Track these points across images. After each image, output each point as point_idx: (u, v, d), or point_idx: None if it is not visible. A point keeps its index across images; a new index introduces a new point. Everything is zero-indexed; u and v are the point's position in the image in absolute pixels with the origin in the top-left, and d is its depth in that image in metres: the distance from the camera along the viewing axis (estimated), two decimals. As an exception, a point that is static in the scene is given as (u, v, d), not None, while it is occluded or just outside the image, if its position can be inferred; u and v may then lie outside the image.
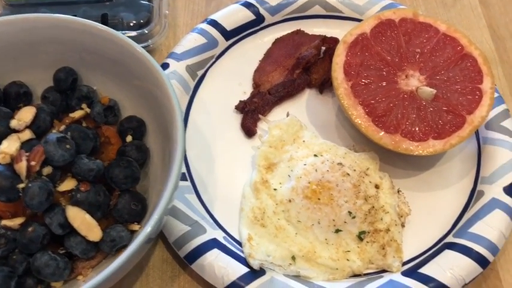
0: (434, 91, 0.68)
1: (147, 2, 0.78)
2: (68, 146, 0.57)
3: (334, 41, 0.78)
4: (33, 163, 0.54)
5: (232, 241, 0.65)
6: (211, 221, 0.66)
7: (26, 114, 0.59)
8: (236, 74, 0.80)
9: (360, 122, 0.67)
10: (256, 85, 0.79)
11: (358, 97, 0.68)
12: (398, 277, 0.62)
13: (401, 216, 0.67)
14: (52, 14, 0.63)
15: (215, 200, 0.69)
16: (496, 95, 0.73)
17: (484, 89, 0.68)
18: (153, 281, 0.64)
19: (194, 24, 0.82)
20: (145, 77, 0.61)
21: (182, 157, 0.55)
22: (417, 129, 0.66)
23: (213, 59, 0.79)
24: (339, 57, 0.70)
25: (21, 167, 0.54)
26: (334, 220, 0.64)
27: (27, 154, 0.55)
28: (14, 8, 0.75)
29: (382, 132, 0.67)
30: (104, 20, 0.74)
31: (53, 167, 0.56)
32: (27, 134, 0.58)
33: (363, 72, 0.69)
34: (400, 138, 0.66)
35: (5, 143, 0.56)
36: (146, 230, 0.52)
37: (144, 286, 0.63)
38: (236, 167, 0.72)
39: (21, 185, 0.54)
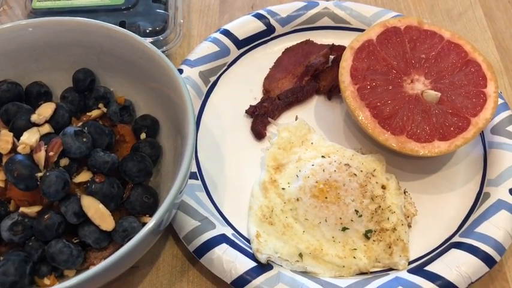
0: (439, 94, 0.69)
1: (163, 11, 0.82)
2: (84, 139, 0.59)
3: (342, 50, 0.80)
4: (51, 153, 0.57)
5: (240, 238, 0.66)
6: (221, 218, 0.68)
7: (46, 110, 0.62)
8: (247, 80, 0.82)
9: (366, 123, 0.69)
10: (266, 91, 0.81)
11: (364, 99, 0.70)
12: (404, 274, 0.62)
13: (408, 217, 0.68)
14: (73, 18, 0.66)
15: (224, 199, 0.70)
16: (501, 101, 0.75)
17: (488, 92, 0.70)
18: (163, 275, 0.65)
19: (208, 35, 0.85)
20: (161, 78, 0.64)
21: (192, 150, 0.57)
22: (422, 130, 0.68)
23: (225, 67, 0.83)
24: (346, 62, 0.72)
25: (40, 157, 0.57)
26: (341, 218, 0.65)
27: (45, 145, 0.58)
28: (38, 15, 0.80)
29: (388, 134, 0.68)
30: (122, 27, 0.77)
31: (70, 159, 0.59)
32: (47, 128, 0.61)
33: (369, 76, 0.71)
34: (406, 139, 0.68)
35: (25, 134, 0.59)
36: (154, 218, 0.53)
37: (154, 280, 0.65)
38: (245, 168, 0.73)
39: (39, 174, 0.56)
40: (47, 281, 0.57)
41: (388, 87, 0.71)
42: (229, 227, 0.67)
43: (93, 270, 0.50)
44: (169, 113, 0.66)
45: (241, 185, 0.72)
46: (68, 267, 0.57)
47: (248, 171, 0.73)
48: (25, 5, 0.82)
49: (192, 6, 0.93)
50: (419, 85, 0.71)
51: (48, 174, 0.56)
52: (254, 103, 0.80)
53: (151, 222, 0.53)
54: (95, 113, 0.68)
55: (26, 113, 0.63)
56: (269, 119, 0.77)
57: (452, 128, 0.68)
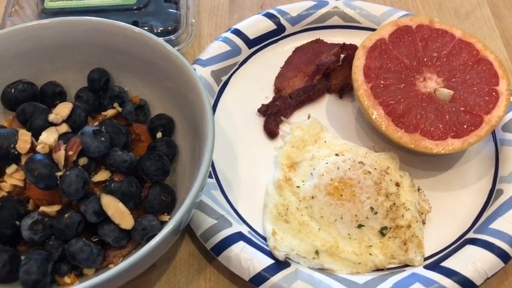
0: (452, 92, 0.70)
1: (174, 11, 0.82)
2: (103, 139, 0.59)
3: (353, 48, 0.81)
4: (70, 153, 0.57)
5: (256, 235, 0.67)
6: (236, 216, 0.68)
7: (63, 109, 0.62)
8: (258, 79, 0.83)
9: (380, 121, 0.69)
10: (277, 90, 0.82)
11: (377, 98, 0.70)
12: (420, 270, 0.63)
13: (422, 214, 0.68)
14: (89, 17, 0.67)
15: (239, 197, 0.71)
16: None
17: (500, 90, 0.70)
18: (180, 273, 0.65)
19: (218, 35, 0.86)
20: (177, 77, 0.64)
21: (212, 149, 0.57)
22: (436, 128, 0.69)
23: (237, 66, 0.83)
24: (359, 61, 0.73)
25: (60, 156, 0.57)
26: (356, 216, 0.65)
27: (64, 145, 0.58)
28: (49, 15, 0.80)
29: (402, 132, 0.69)
30: (135, 27, 0.78)
31: (89, 158, 0.59)
32: (64, 128, 0.61)
33: (382, 75, 0.72)
34: (420, 137, 0.68)
35: (44, 134, 0.59)
36: (176, 217, 0.53)
37: (171, 278, 0.65)
38: (259, 167, 0.74)
39: (59, 173, 0.56)
40: (67, 280, 0.57)
41: (401, 86, 0.72)
42: (245, 225, 0.67)
43: (115, 269, 0.51)
44: (185, 112, 0.66)
45: (255, 183, 0.72)
46: (88, 266, 0.57)
47: (262, 169, 0.73)
48: (37, 5, 0.82)
49: (201, 6, 0.93)
50: (431, 83, 0.72)
51: (68, 173, 0.56)
52: (266, 102, 0.80)
53: (172, 222, 0.53)
54: (110, 112, 0.68)
55: (42, 112, 0.63)
56: (282, 117, 0.77)
57: (465, 126, 0.69)
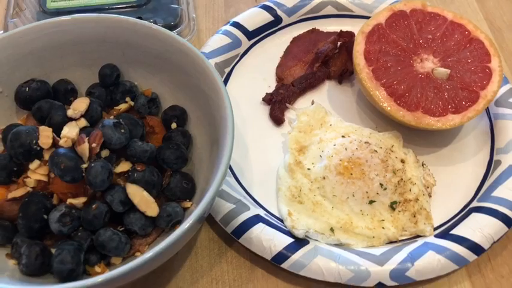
0: (449, 71, 0.74)
1: (176, 6, 0.84)
2: (123, 130, 0.61)
3: (350, 35, 0.85)
4: (94, 145, 0.58)
5: (273, 218, 0.69)
6: (252, 201, 0.70)
7: (80, 104, 0.63)
8: (260, 70, 0.85)
9: (383, 101, 0.73)
10: (279, 79, 0.84)
11: (379, 80, 0.74)
12: (432, 239, 0.66)
13: (428, 187, 0.72)
14: (98, 14, 0.68)
15: (252, 183, 0.73)
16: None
17: (493, 67, 0.75)
18: (202, 258, 0.67)
19: (215, 29, 0.88)
20: (190, 68, 0.66)
21: (233, 135, 0.59)
22: (436, 105, 0.72)
23: (238, 57, 0.85)
24: (359, 46, 0.76)
25: (84, 148, 0.58)
26: (367, 192, 0.68)
27: (87, 138, 0.59)
28: (48, 15, 0.80)
29: (404, 110, 0.72)
30: (138, 23, 0.79)
31: (110, 150, 0.60)
32: (83, 122, 0.62)
33: (381, 58, 0.75)
34: (421, 114, 0.72)
35: (65, 128, 0.60)
36: (202, 205, 0.55)
37: (194, 264, 0.67)
38: (268, 153, 0.76)
39: (84, 166, 0.58)
40: (97, 269, 0.58)
41: (400, 67, 0.75)
42: (261, 209, 0.70)
43: (144, 256, 0.52)
44: (198, 102, 0.68)
45: (267, 169, 0.74)
46: (118, 254, 0.59)
47: (271, 155, 0.76)
48: (38, 5, 0.82)
49: (197, 1, 0.95)
50: (428, 63, 0.76)
51: (93, 165, 0.57)
52: (269, 91, 0.83)
53: (198, 210, 0.54)
54: (123, 106, 0.69)
55: (59, 109, 0.64)
56: (287, 104, 0.80)
57: (463, 102, 0.72)
